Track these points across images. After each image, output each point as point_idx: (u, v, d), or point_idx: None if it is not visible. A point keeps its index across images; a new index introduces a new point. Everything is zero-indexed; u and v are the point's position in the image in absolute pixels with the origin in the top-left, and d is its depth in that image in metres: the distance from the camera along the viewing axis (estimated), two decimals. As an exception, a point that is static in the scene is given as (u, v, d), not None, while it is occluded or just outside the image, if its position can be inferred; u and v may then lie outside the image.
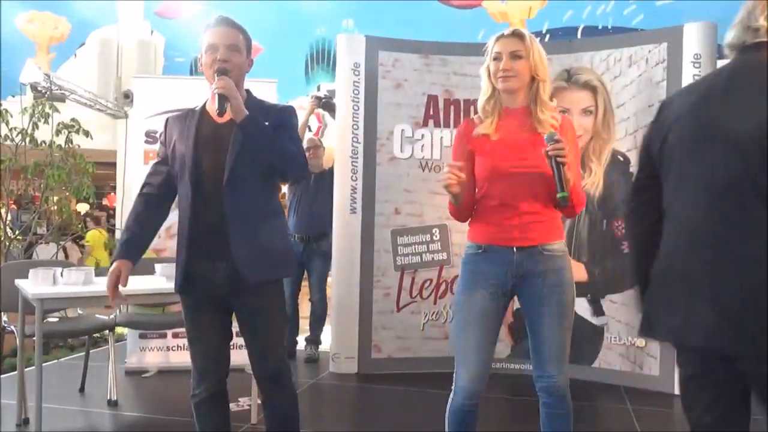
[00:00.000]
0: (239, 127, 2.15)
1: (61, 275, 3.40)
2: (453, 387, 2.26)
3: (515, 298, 4.57)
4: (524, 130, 2.21)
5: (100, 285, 3.47)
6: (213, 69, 2.19)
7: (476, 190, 2.28)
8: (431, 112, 4.57)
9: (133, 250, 2.35)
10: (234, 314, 2.35)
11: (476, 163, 2.25)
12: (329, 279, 4.93)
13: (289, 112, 2.36)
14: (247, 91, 2.34)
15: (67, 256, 8.53)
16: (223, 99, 2.12)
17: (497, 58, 2.21)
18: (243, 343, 2.39)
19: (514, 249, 2.18)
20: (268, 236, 2.27)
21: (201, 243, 2.24)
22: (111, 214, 11.43)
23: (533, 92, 2.23)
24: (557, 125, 2.21)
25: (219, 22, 2.26)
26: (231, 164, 2.18)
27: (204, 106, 2.32)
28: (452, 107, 4.59)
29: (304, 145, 4.96)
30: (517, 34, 2.21)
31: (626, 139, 4.39)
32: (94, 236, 8.43)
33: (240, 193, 2.19)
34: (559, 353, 2.22)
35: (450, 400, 2.27)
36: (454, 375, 2.27)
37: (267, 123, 2.21)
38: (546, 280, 2.19)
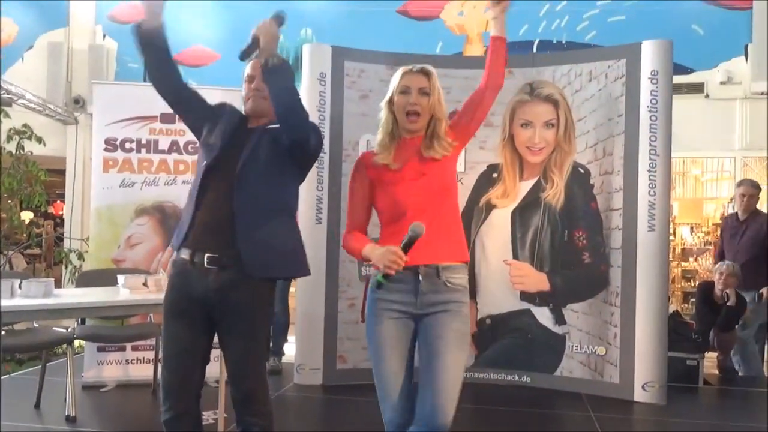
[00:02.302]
0: (263, 66, 2.15)
1: (20, 287, 3.28)
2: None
3: (476, 300, 4.64)
4: (417, 155, 2.25)
5: (61, 297, 3.39)
6: (248, 98, 2.35)
7: (378, 218, 2.31)
8: (396, 123, 4.60)
9: None
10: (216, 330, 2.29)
11: (377, 193, 2.27)
12: (292, 289, 4.90)
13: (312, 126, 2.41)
14: None
15: (11, 267, 8.22)
16: (253, 43, 2.15)
17: (405, 92, 2.22)
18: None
19: (420, 276, 2.15)
20: (274, 233, 2.24)
21: (204, 235, 2.22)
22: (58, 222, 11.09)
23: (431, 128, 2.25)
24: (449, 155, 2.25)
25: None
26: (245, 157, 2.23)
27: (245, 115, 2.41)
28: (417, 118, 4.61)
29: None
30: (424, 72, 2.23)
31: (587, 151, 4.50)
32: None
33: (250, 188, 2.21)
34: (449, 389, 2.09)
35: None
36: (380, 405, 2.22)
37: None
38: (447, 308, 2.17)
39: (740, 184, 5.66)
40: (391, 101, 2.27)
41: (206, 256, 2.18)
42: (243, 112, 2.41)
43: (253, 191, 2.20)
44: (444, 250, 2.20)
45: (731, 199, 8.10)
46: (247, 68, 2.36)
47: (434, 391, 2.08)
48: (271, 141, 2.27)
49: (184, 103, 2.40)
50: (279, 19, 2.19)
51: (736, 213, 5.64)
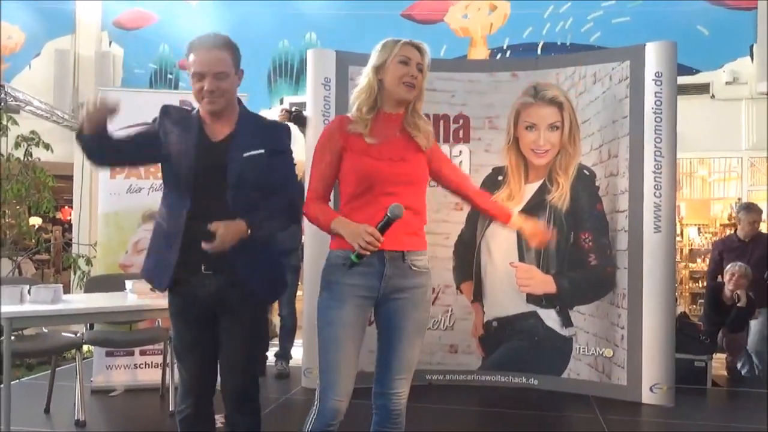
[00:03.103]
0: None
1: (29, 293, 3.31)
2: (316, 406, 2.15)
3: (483, 303, 4.63)
4: (400, 136, 2.22)
5: (70, 303, 3.42)
6: (201, 97, 2.16)
7: (339, 188, 2.22)
8: (401, 127, 4.60)
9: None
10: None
11: (348, 161, 2.16)
12: (300, 293, 4.91)
13: (284, 133, 2.33)
14: (240, 103, 2.29)
15: (20, 272, 8.27)
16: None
17: (405, 63, 2.17)
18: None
19: (386, 257, 2.12)
20: (269, 254, 2.28)
21: (196, 252, 2.16)
22: (66, 227, 11.16)
23: (411, 105, 2.23)
24: (432, 133, 2.27)
25: (204, 42, 2.16)
26: (232, 196, 2.15)
27: (200, 121, 2.24)
28: (422, 122, 4.62)
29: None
30: (421, 48, 2.21)
31: (591, 153, 4.50)
32: None
33: (243, 211, 2.15)
34: (409, 371, 2.21)
35: (311, 421, 2.15)
36: (317, 394, 2.16)
37: (262, 151, 2.18)
38: (411, 296, 2.18)
39: (749, 210, 5.57)
40: (382, 68, 2.19)
41: (201, 265, 2.20)
42: (196, 112, 2.24)
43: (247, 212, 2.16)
44: (410, 239, 2.17)
45: (738, 199, 8.09)
46: (191, 63, 2.15)
47: (389, 377, 2.18)
48: (252, 168, 2.17)
49: (140, 159, 2.30)
50: (205, 244, 2.07)
51: (736, 235, 5.66)
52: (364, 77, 2.23)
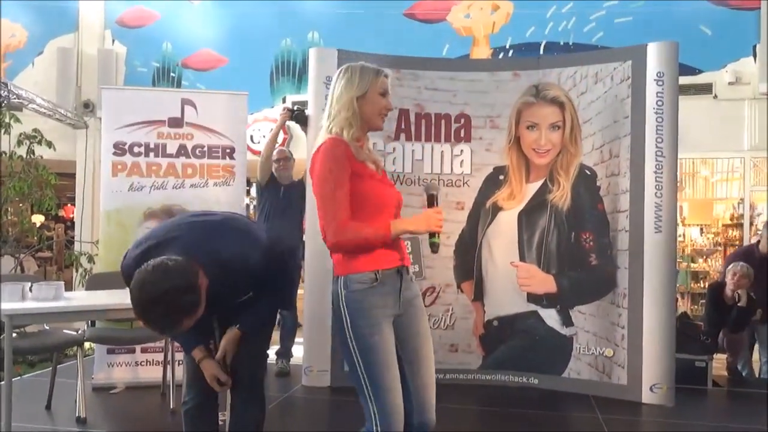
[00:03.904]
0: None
1: (30, 290, 3.32)
2: (376, 428, 2.08)
3: (483, 302, 4.64)
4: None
5: (71, 300, 3.43)
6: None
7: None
8: (402, 126, 4.61)
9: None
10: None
11: (360, 186, 2.12)
12: (300, 291, 4.91)
13: (257, 260, 2.24)
14: (205, 267, 2.08)
15: (23, 270, 8.29)
16: None
17: (385, 95, 2.21)
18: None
19: (401, 272, 2.16)
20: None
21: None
22: (69, 225, 11.18)
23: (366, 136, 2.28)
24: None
25: (142, 310, 1.95)
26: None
27: None
28: (423, 121, 4.63)
29: (274, 156, 4.93)
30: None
31: (593, 153, 4.50)
32: None
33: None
34: (434, 386, 2.22)
35: None
36: (374, 416, 2.08)
37: (251, 294, 2.33)
38: (418, 304, 2.25)
39: None
40: (362, 98, 2.18)
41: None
42: None
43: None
44: (407, 254, 2.27)
45: (740, 200, 8.08)
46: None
47: (424, 386, 2.20)
48: (249, 298, 2.33)
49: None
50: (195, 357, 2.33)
51: (758, 249, 5.50)
52: (344, 107, 2.17)
